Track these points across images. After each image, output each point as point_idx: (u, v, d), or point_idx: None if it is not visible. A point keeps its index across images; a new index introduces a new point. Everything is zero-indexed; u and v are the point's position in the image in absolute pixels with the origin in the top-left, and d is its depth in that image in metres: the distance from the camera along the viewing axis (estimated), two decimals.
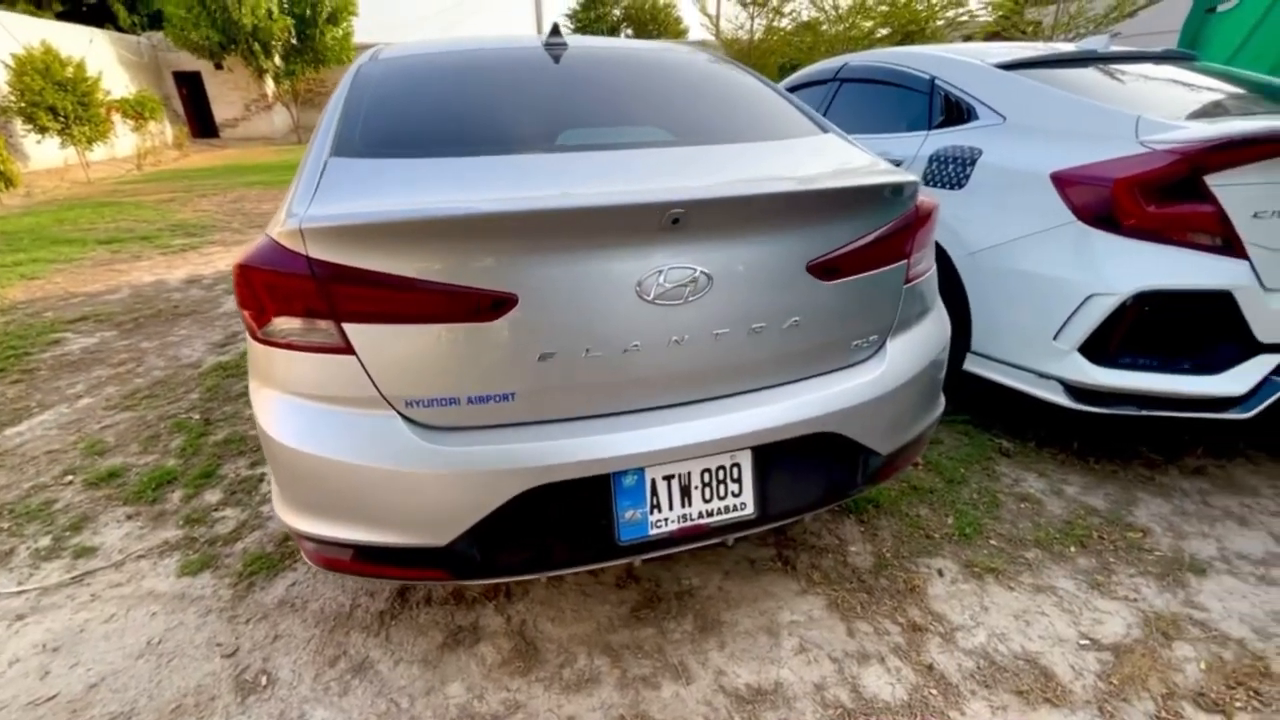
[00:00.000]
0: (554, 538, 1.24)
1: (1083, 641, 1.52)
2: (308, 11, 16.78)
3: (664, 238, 1.16)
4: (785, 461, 1.34)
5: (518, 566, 1.24)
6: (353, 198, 1.17)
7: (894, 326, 1.46)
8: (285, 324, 1.16)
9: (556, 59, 1.84)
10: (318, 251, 1.10)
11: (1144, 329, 1.90)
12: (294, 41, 16.87)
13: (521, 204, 1.09)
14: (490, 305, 1.12)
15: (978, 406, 2.53)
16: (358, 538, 1.20)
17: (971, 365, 2.33)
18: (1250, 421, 1.86)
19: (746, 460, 1.32)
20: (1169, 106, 2.11)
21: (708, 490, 1.31)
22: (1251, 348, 1.86)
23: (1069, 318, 1.97)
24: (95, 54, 15.13)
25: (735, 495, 1.33)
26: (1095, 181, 1.93)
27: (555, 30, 1.96)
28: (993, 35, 9.10)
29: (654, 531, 1.29)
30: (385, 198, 1.15)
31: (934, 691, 1.40)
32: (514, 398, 1.18)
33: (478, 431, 1.18)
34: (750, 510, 1.34)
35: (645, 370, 1.22)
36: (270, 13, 15.79)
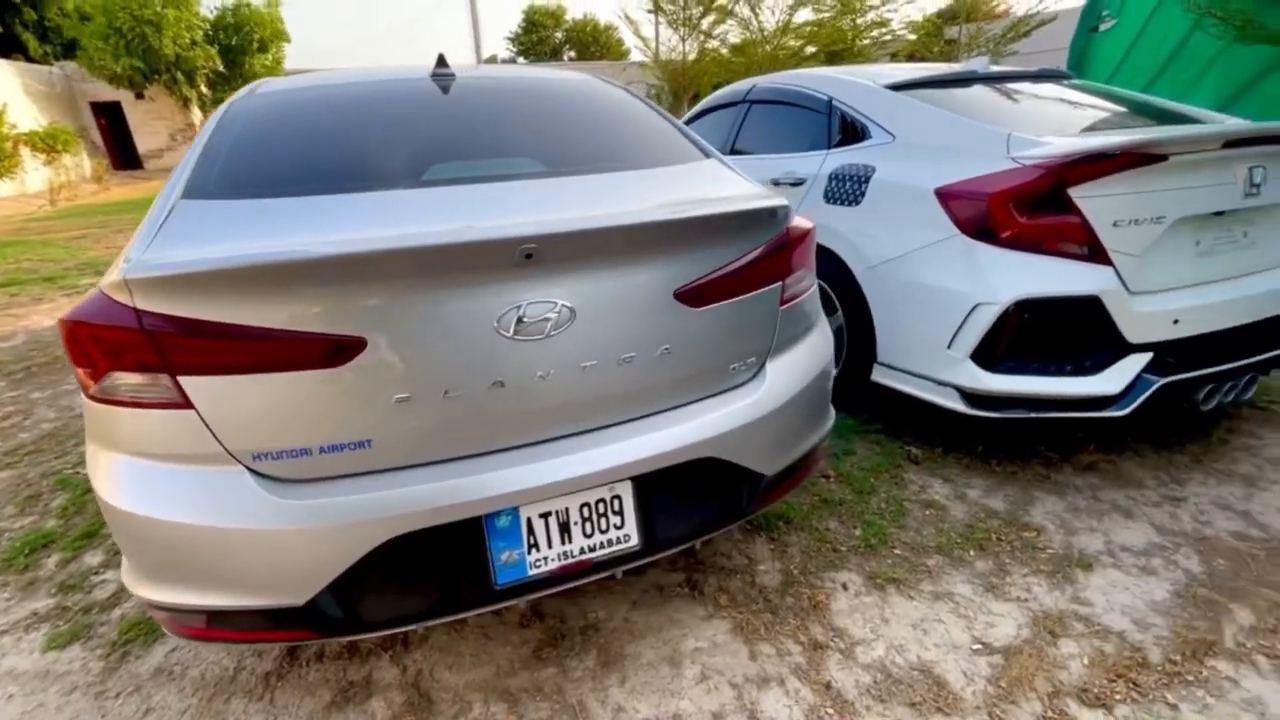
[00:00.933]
0: (425, 587, 1.19)
1: (975, 646, 1.56)
2: (234, 40, 16.34)
3: (521, 273, 1.15)
4: (667, 490, 1.33)
5: (388, 620, 1.19)
6: (192, 244, 1.12)
7: (772, 348, 1.47)
8: (118, 380, 1.09)
9: (445, 89, 1.82)
10: (146, 303, 1.04)
11: (1026, 335, 1.98)
12: (221, 69, 16.38)
13: (362, 245, 1.06)
14: (335, 350, 1.08)
15: (889, 415, 2.59)
16: (210, 603, 1.13)
17: (879, 376, 2.39)
18: (1134, 416, 1.96)
19: (627, 491, 1.30)
20: (1039, 123, 2.24)
21: (588, 525, 1.29)
22: (1123, 348, 1.97)
23: (960, 327, 2.05)
24: None
25: (618, 528, 1.31)
26: (973, 196, 2.02)
27: (441, 61, 1.94)
28: (912, 55, 9.53)
29: (534, 572, 1.25)
30: (227, 242, 1.10)
31: (830, 711, 1.40)
32: (370, 444, 1.13)
33: (333, 482, 1.13)
34: (635, 542, 1.33)
35: (511, 408, 1.20)
36: (193, 42, 15.31)
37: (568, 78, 2.08)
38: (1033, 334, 1.98)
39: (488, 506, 1.18)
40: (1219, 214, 2.02)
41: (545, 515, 1.25)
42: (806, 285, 1.57)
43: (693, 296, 1.31)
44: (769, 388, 1.44)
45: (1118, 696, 1.42)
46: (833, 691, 1.45)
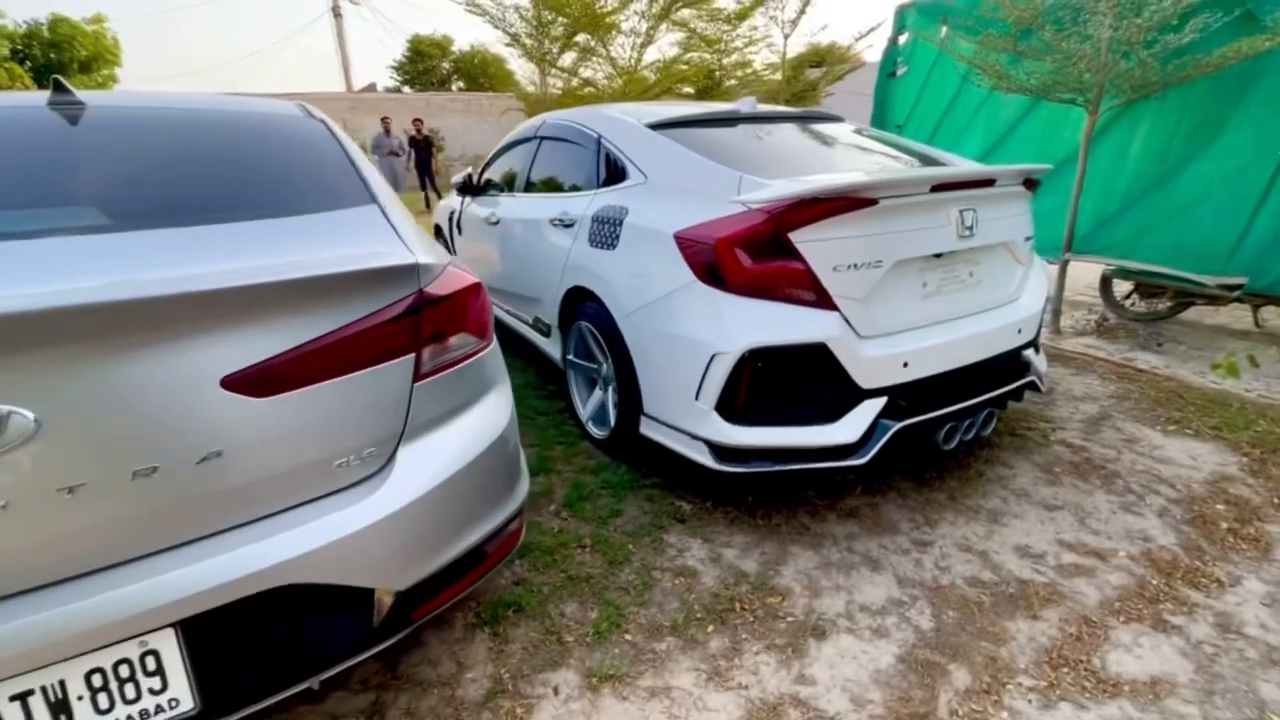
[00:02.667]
0: None
1: None
2: (49, 57, 14.48)
3: None
4: (238, 632, 1.03)
5: None
6: None
7: (405, 433, 1.22)
8: None
9: (71, 120, 1.47)
10: None
11: (763, 385, 1.90)
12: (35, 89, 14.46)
13: None
14: None
15: (667, 468, 2.44)
16: None
17: (645, 428, 2.26)
18: (875, 462, 1.90)
19: (169, 643, 0.99)
20: (779, 165, 2.21)
21: (104, 696, 0.96)
22: (857, 395, 1.92)
23: (703, 377, 1.94)
24: None
25: (157, 692, 0.99)
26: (702, 241, 1.93)
27: (59, 86, 1.58)
28: (774, 95, 9.86)
29: None
30: None
31: None
32: None
33: None
34: (189, 706, 1.01)
35: None
36: None
37: (238, 109, 1.77)
38: (769, 384, 1.89)
39: None
40: (939, 256, 2.04)
41: (25, 696, 0.91)
42: (467, 352, 1.34)
43: (254, 383, 1.03)
44: (398, 482, 1.18)
45: None
46: None
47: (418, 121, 11.46)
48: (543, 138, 3.19)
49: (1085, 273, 5.14)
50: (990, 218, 2.11)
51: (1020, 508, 2.20)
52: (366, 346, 1.15)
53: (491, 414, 1.38)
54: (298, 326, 1.07)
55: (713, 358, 1.89)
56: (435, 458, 1.25)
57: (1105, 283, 4.30)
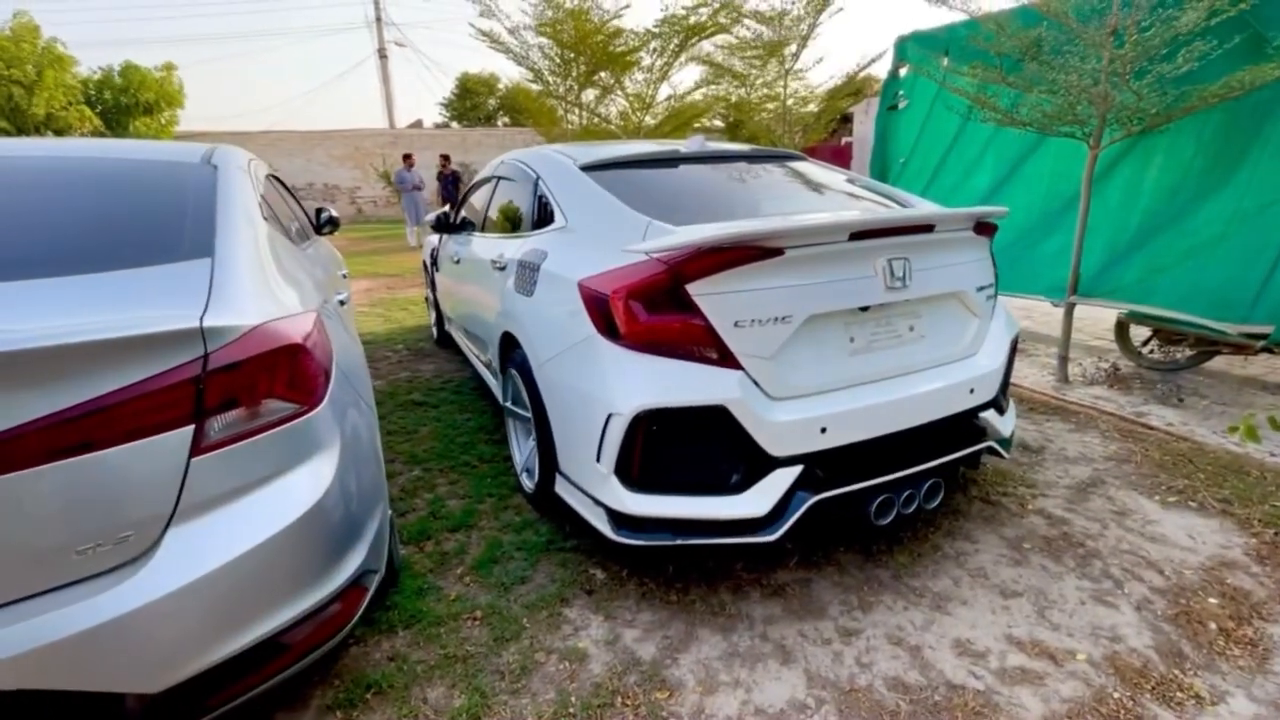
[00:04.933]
0: None
1: None
2: (118, 100, 15.64)
3: None
4: None
5: None
6: None
7: (176, 513, 1.11)
8: None
9: None
10: None
11: (659, 449, 1.75)
12: (102, 130, 15.58)
13: None
14: None
15: (588, 530, 2.27)
16: None
17: (560, 488, 2.14)
18: (789, 536, 1.71)
19: None
20: (700, 211, 2.09)
21: None
22: (766, 463, 1.74)
23: (601, 438, 1.81)
24: None
25: None
26: (601, 292, 1.82)
27: None
28: (808, 126, 9.63)
29: None
30: None
31: None
32: None
33: None
34: None
35: None
36: (69, 103, 14.52)
37: (131, 156, 1.75)
38: (665, 449, 1.74)
39: None
40: (865, 309, 1.86)
41: None
42: (278, 418, 1.23)
43: None
44: (160, 569, 1.06)
45: None
46: None
47: (444, 157, 11.81)
48: (499, 177, 3.17)
49: (1104, 315, 4.77)
50: (929, 266, 1.93)
51: (972, 592, 1.94)
52: (123, 420, 1.05)
53: (305, 485, 1.25)
54: (27, 401, 0.98)
55: (609, 418, 1.76)
56: (216, 539, 1.12)
57: (1121, 327, 3.95)
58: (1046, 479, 2.62)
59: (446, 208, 4.02)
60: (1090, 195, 3.45)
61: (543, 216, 2.45)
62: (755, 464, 1.74)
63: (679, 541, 1.76)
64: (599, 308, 1.82)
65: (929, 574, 2.03)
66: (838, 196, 2.46)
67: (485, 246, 2.97)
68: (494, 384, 3.07)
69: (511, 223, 2.80)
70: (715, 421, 1.70)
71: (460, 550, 2.21)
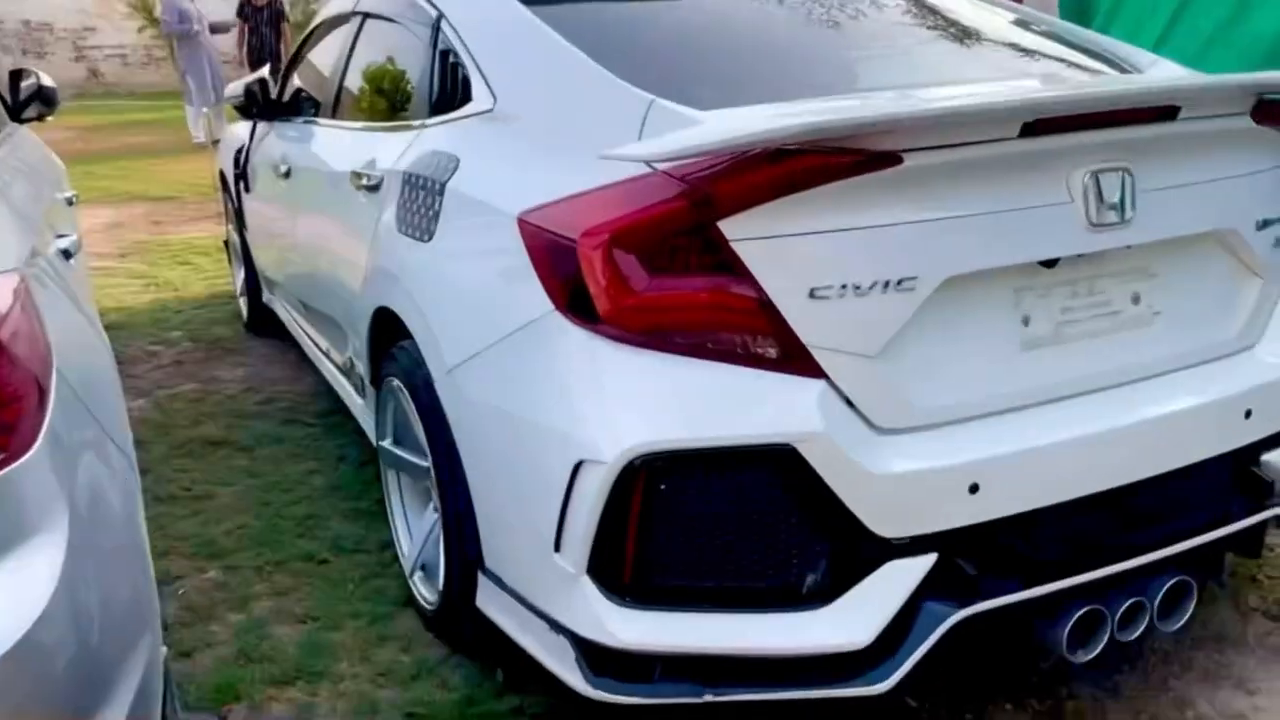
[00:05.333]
0: None
1: None
2: None
3: None
4: None
5: None
6: None
7: None
8: None
9: None
10: None
11: (674, 526, 1.81)
12: None
13: None
14: None
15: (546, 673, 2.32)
16: None
17: (485, 598, 2.23)
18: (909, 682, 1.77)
19: None
20: (749, 79, 2.21)
21: None
22: (868, 551, 1.81)
23: (564, 506, 1.86)
24: None
25: None
26: (561, 235, 1.89)
27: None
28: None
29: None
30: None
31: None
32: None
33: None
34: None
35: None
36: None
37: None
38: (686, 525, 1.81)
39: None
40: (1052, 265, 1.94)
41: None
42: None
43: None
44: None
45: None
46: None
47: None
48: (364, 14, 3.29)
49: None
50: (1169, 185, 1.99)
51: None
52: None
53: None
54: None
55: (578, 467, 1.81)
56: None
57: None
58: None
59: (263, 72, 4.08)
60: None
61: (450, 89, 2.51)
62: (850, 552, 1.80)
63: (710, 698, 1.81)
64: (558, 264, 1.87)
65: None
66: (1000, 54, 2.53)
67: (339, 147, 3.02)
68: (359, 407, 3.13)
69: (389, 101, 2.89)
70: (776, 475, 1.75)
71: None
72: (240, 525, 3.09)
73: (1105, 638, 1.95)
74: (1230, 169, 2.11)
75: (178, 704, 2.11)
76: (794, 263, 1.75)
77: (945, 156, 1.79)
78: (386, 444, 2.74)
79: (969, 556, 1.85)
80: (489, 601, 2.17)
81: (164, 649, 1.78)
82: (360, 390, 3.06)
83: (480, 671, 2.36)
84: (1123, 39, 3.79)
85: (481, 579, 2.18)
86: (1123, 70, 2.51)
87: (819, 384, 1.76)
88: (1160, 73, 2.46)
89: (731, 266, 1.75)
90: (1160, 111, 1.95)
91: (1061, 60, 2.54)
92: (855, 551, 1.80)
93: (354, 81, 3.20)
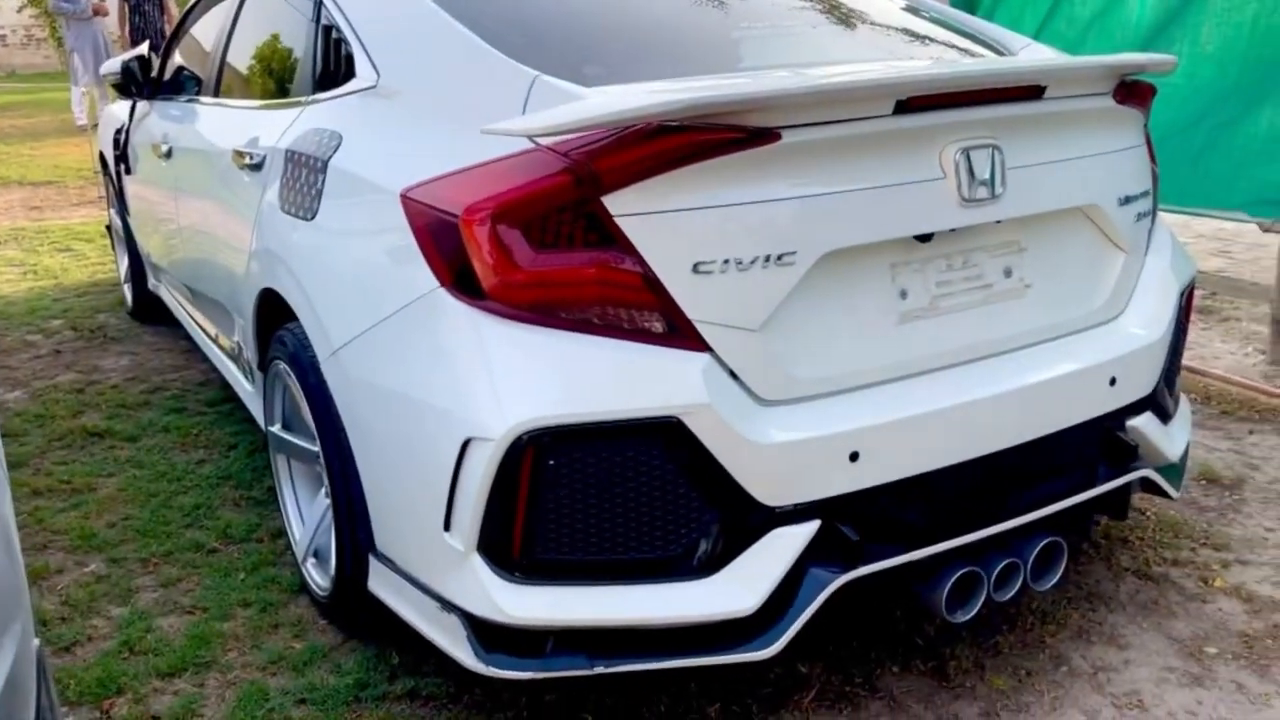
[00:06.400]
0: None
1: None
2: None
3: None
4: None
5: None
6: None
7: None
8: None
9: None
10: None
11: (561, 502, 1.82)
12: None
13: None
14: None
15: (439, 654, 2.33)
16: None
17: (377, 580, 2.22)
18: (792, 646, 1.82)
19: None
20: (626, 55, 2.24)
21: None
22: (753, 520, 1.85)
23: (452, 486, 1.87)
24: None
25: None
26: (445, 211, 1.89)
27: None
28: None
29: None
30: None
31: None
32: None
33: None
34: None
35: None
36: None
37: None
38: (574, 499, 1.82)
39: None
40: (927, 239, 2.01)
41: None
42: None
43: None
44: None
45: None
46: None
47: None
48: None
49: None
50: (1037, 162, 2.07)
51: None
52: None
53: None
54: None
55: (465, 445, 1.82)
56: None
57: None
58: (1247, 534, 2.85)
59: (142, 49, 3.99)
60: None
61: (333, 66, 2.50)
62: (736, 521, 1.83)
63: (601, 669, 1.84)
64: (443, 240, 1.87)
65: (1045, 706, 2.19)
66: (881, 35, 2.59)
67: (221, 125, 3.01)
68: (247, 392, 3.11)
69: (272, 78, 2.88)
70: (663, 447, 1.78)
71: (185, 713, 2.23)
72: (124, 517, 3.03)
73: (982, 598, 2.03)
74: (1094, 147, 2.20)
75: (54, 698, 2.05)
76: (677, 238, 1.78)
77: (822, 133, 1.84)
78: (275, 429, 2.71)
79: (851, 522, 1.89)
80: (381, 584, 2.17)
81: (37, 643, 1.72)
82: (248, 375, 3.03)
83: (375, 655, 2.37)
84: (1005, 26, 3.93)
85: (373, 562, 2.18)
86: (998, 53, 2.58)
87: (704, 357, 1.80)
88: (1030, 55, 2.54)
89: (616, 242, 1.77)
90: (1027, 91, 2.03)
91: (940, 43, 2.61)
92: (741, 520, 1.84)
93: (236, 58, 3.17)
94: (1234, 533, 2.86)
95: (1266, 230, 4.09)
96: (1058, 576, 2.16)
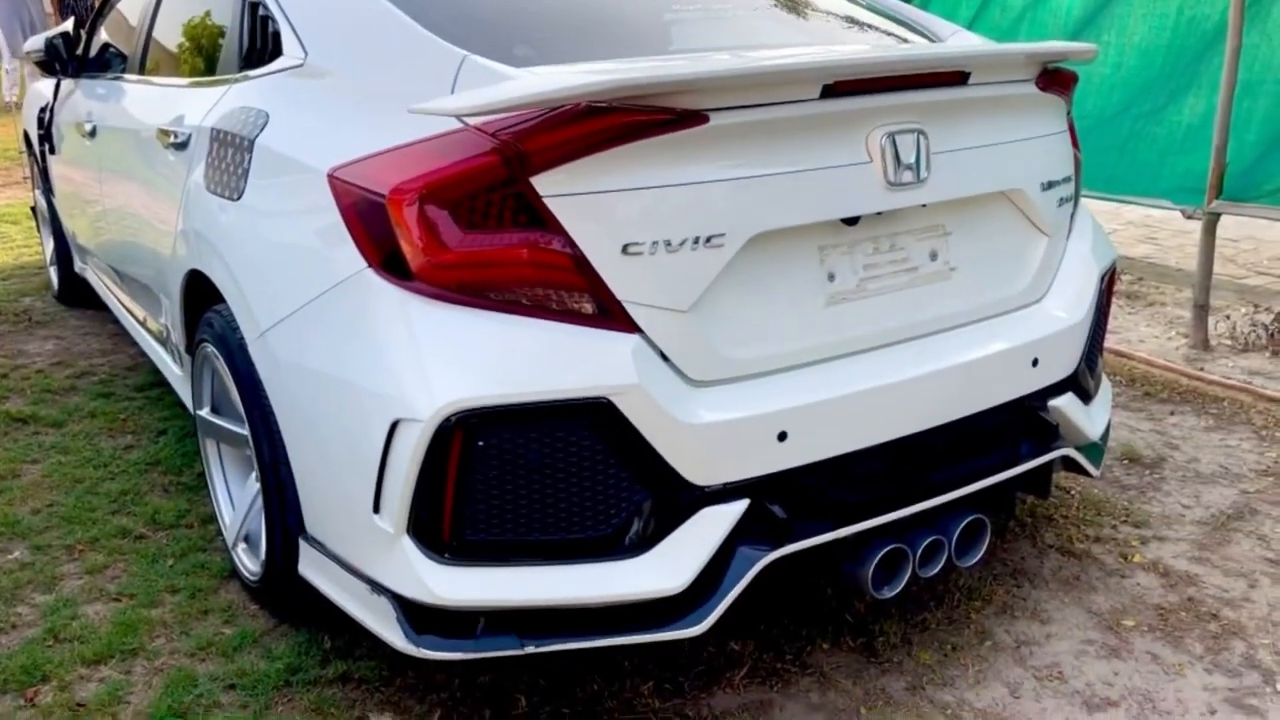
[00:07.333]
0: None
1: None
2: None
3: None
4: None
5: None
6: None
7: None
8: None
9: None
10: None
11: (492, 483, 1.82)
12: None
13: None
14: None
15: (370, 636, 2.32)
16: None
17: (307, 564, 2.21)
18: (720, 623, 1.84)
19: None
20: (556, 37, 2.23)
21: None
22: (682, 499, 1.88)
23: (381, 468, 1.86)
24: None
25: None
26: (372, 191, 1.88)
27: None
28: None
29: None
30: None
31: None
32: None
33: None
34: None
35: None
36: None
37: None
38: (503, 480, 1.82)
39: None
40: (853, 223, 2.04)
41: None
42: None
43: None
44: None
45: None
46: None
47: None
48: None
49: (1268, 234, 5.32)
50: (961, 146, 2.11)
51: (1040, 705, 2.18)
52: None
53: None
54: None
55: (394, 427, 1.82)
56: None
57: None
58: (1165, 511, 2.94)
59: (68, 25, 3.90)
60: (1243, 27, 3.82)
61: (260, 44, 2.49)
62: (665, 501, 1.85)
63: (532, 649, 1.85)
64: (370, 220, 1.87)
65: (970, 679, 2.24)
66: (813, 20, 2.62)
67: (146, 103, 2.98)
68: (176, 376, 3.08)
69: (198, 56, 2.84)
70: (593, 428, 1.79)
71: (112, 700, 2.20)
72: (49, 504, 2.97)
73: (907, 575, 2.08)
74: (1017, 133, 2.25)
75: None
76: (607, 219, 1.79)
77: (750, 116, 1.85)
78: (204, 413, 2.69)
79: (779, 501, 1.93)
80: (311, 567, 2.16)
81: None
82: (177, 359, 2.99)
83: (307, 640, 2.36)
84: (941, 15, 3.99)
85: (303, 545, 2.17)
86: (927, 39, 2.62)
87: (633, 338, 1.82)
88: (956, 42, 2.58)
89: (545, 222, 1.78)
90: (952, 76, 2.07)
91: (871, 28, 2.63)
92: (671, 500, 1.86)
93: (163, 35, 3.12)
94: (1153, 510, 2.94)
95: (1189, 217, 4.20)
96: (981, 553, 2.22)
